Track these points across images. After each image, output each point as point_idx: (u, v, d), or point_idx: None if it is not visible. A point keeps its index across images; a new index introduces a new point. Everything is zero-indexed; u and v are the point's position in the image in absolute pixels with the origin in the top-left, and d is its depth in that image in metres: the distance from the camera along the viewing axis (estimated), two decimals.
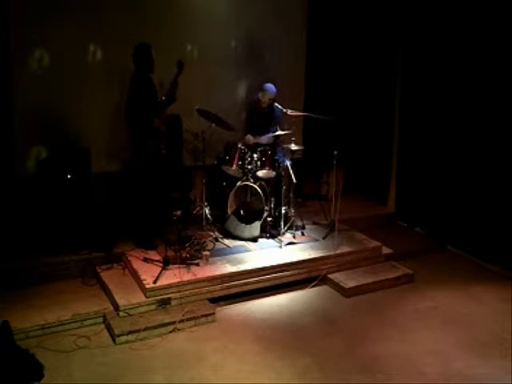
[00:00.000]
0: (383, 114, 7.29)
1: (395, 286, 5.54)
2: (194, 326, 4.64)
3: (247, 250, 5.64)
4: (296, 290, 5.40)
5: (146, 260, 5.25)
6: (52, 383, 3.81)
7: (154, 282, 4.83)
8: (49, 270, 5.18)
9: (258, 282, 5.26)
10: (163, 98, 5.37)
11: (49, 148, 5.75)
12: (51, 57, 5.70)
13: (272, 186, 6.03)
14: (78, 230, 5.43)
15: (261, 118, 6.26)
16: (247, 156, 5.90)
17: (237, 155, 5.90)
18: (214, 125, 5.91)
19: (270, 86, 6.15)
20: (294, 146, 5.91)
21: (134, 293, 4.86)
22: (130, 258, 5.32)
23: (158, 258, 5.26)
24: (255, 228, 5.84)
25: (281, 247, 5.72)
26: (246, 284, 5.20)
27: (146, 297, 4.78)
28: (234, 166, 5.90)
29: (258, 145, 6.05)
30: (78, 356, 4.18)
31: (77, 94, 5.81)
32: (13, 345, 3.65)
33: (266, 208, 5.87)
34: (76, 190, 5.46)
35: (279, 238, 5.87)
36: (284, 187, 5.96)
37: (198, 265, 5.19)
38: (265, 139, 6.15)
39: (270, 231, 5.97)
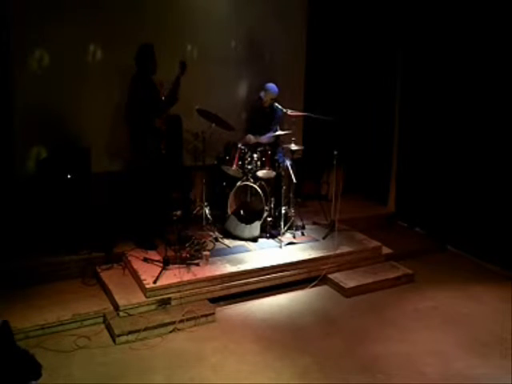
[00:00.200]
0: (383, 113, 7.29)
1: (395, 285, 5.54)
2: (194, 325, 4.64)
3: (247, 250, 5.64)
4: (296, 289, 5.40)
5: (146, 260, 5.25)
6: (52, 383, 3.81)
7: (154, 282, 4.83)
8: (49, 270, 5.18)
9: (257, 281, 5.26)
10: (162, 98, 5.36)
11: (49, 148, 5.74)
12: (51, 57, 5.69)
13: (272, 186, 6.03)
14: (78, 230, 5.43)
15: (262, 117, 6.26)
16: (247, 156, 5.90)
17: (237, 155, 5.90)
18: (213, 125, 5.91)
19: (272, 86, 6.16)
20: (294, 146, 5.91)
21: (134, 293, 4.86)
22: (130, 258, 5.32)
23: (158, 257, 5.26)
24: (255, 228, 5.84)
25: (281, 247, 5.72)
26: (245, 284, 5.20)
27: (146, 297, 4.78)
28: (234, 165, 5.90)
29: (259, 144, 6.06)
30: (77, 356, 4.18)
31: (77, 94, 5.81)
32: (12, 345, 3.65)
33: (266, 208, 5.87)
34: (76, 190, 5.46)
35: (279, 237, 5.87)
36: (284, 187, 5.96)
37: (198, 265, 5.19)
38: (265, 139, 6.15)
39: (270, 231, 5.97)
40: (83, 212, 5.47)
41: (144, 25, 5.98)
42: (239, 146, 5.93)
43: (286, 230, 5.98)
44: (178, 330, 4.57)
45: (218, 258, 5.40)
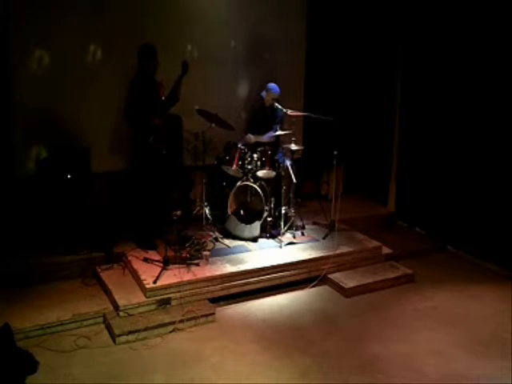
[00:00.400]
0: (383, 113, 7.29)
1: (395, 285, 5.54)
2: (194, 325, 4.65)
3: (247, 250, 5.64)
4: (296, 289, 5.40)
5: (146, 260, 5.26)
6: (52, 383, 3.81)
7: (154, 282, 4.83)
8: (49, 270, 5.18)
9: (258, 281, 5.26)
10: (163, 98, 5.36)
11: (49, 148, 5.74)
12: (51, 57, 5.69)
13: (272, 186, 6.03)
14: (78, 230, 5.43)
15: (263, 117, 6.26)
16: (247, 156, 5.90)
17: (237, 155, 5.90)
18: (213, 125, 5.90)
19: (274, 86, 6.16)
20: (294, 146, 5.91)
21: (134, 293, 4.86)
22: (130, 258, 5.32)
23: (158, 257, 5.26)
24: (255, 228, 5.84)
25: (281, 247, 5.72)
26: (246, 284, 5.21)
27: (146, 297, 4.78)
28: (234, 165, 5.90)
29: (259, 144, 6.05)
30: (78, 356, 4.18)
31: (77, 94, 5.81)
32: (13, 347, 3.64)
33: (266, 208, 5.87)
34: (76, 190, 5.46)
35: (279, 237, 5.87)
36: (284, 187, 5.96)
37: (198, 265, 5.19)
38: (266, 138, 6.16)
39: (270, 231, 5.97)
40: (83, 212, 5.47)
41: (144, 25, 5.98)
42: (239, 146, 5.93)
43: (286, 230, 5.98)
44: (178, 329, 4.57)
45: (218, 257, 5.40)
